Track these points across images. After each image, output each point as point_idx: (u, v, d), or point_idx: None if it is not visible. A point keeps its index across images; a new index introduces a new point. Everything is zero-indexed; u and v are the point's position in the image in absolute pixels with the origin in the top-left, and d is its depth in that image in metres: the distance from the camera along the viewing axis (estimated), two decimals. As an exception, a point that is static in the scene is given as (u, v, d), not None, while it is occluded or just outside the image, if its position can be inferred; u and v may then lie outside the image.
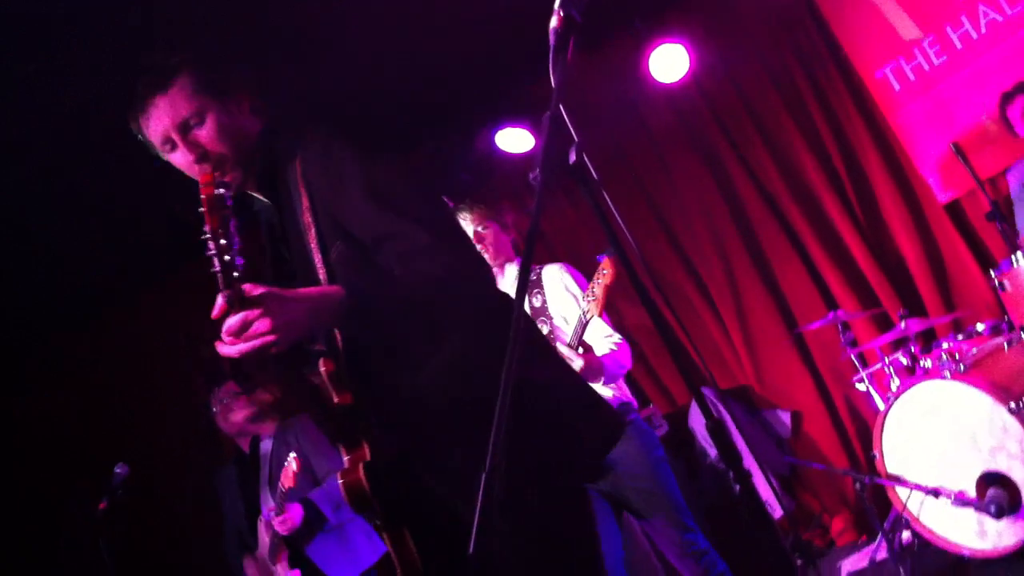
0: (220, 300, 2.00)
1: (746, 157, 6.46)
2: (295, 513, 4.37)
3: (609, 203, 1.82)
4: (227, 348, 2.04)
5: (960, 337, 4.56)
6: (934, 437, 4.26)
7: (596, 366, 3.81)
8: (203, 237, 1.97)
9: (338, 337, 2.28)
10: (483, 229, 4.23)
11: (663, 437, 5.41)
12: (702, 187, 6.61)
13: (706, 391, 5.95)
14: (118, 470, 4.55)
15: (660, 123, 6.69)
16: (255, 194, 2.52)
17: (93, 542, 4.40)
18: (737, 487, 1.83)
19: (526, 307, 4.08)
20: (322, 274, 2.29)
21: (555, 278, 4.14)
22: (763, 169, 6.41)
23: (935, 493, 4.15)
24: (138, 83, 2.37)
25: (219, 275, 1.97)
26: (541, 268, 4.22)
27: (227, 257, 1.97)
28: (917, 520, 4.29)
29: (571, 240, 6.80)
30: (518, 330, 1.53)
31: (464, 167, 6.59)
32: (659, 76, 6.22)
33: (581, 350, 3.80)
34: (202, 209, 1.97)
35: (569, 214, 6.84)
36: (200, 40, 4.30)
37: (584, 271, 4.15)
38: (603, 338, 4.00)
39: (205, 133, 2.35)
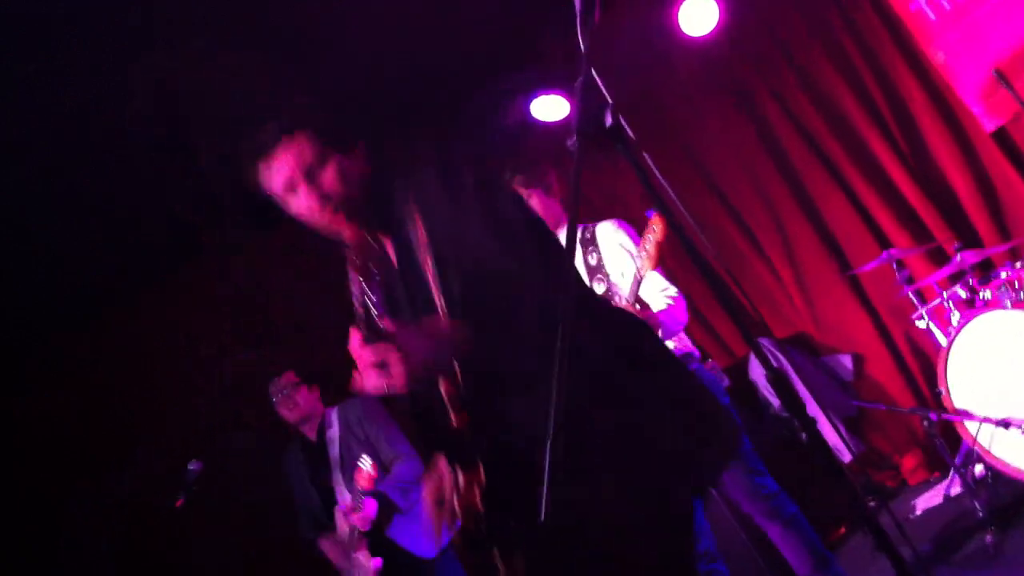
0: (354, 336, 2.09)
1: (783, 100, 6.38)
2: (371, 508, 4.50)
3: (648, 161, 1.81)
4: (367, 380, 2.12)
5: (1018, 265, 4.48)
6: (999, 368, 4.21)
7: (654, 323, 3.81)
8: (352, 286, 2.11)
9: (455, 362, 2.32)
10: (527, 197, 4.22)
11: (726, 389, 5.41)
12: (741, 135, 6.53)
13: (764, 341, 5.93)
14: (192, 467, 4.64)
15: (692, 75, 6.62)
16: (378, 236, 2.53)
17: (169, 538, 4.50)
18: (803, 435, 1.83)
19: (581, 266, 4.10)
20: (439, 303, 2.31)
21: (609, 235, 4.14)
22: (802, 111, 6.32)
23: (1005, 424, 4.11)
24: (261, 131, 2.42)
25: (363, 325, 2.08)
26: (595, 226, 4.21)
27: (372, 309, 2.09)
28: (989, 452, 4.25)
29: (616, 200, 6.77)
30: (569, 290, 1.53)
31: (501, 138, 6.57)
32: (688, 30, 6.16)
33: (638, 307, 3.80)
34: (354, 262, 2.12)
35: (611, 175, 6.81)
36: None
37: (635, 229, 4.14)
38: (659, 292, 3.99)
39: (328, 178, 2.39)
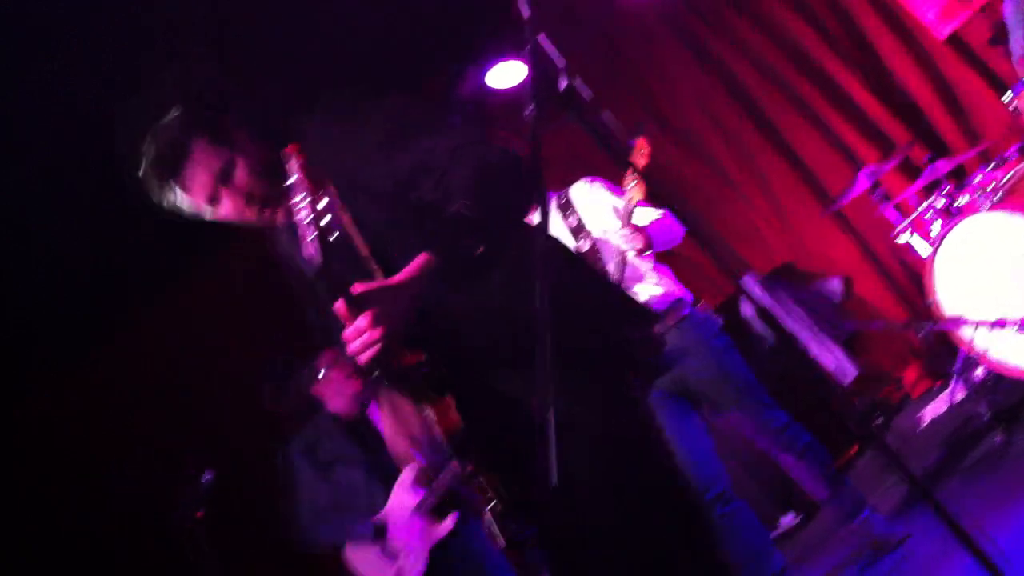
0: (341, 304, 2.10)
1: (735, 36, 6.35)
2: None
3: (606, 121, 1.81)
4: (356, 354, 2.13)
5: (990, 167, 4.50)
6: (985, 270, 4.23)
7: (645, 237, 3.82)
8: (296, 200, 2.06)
9: None
10: None
11: (721, 329, 5.44)
12: (698, 77, 6.51)
13: (750, 278, 5.94)
14: (206, 477, 4.61)
15: (643, 23, 6.58)
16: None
17: (196, 548, 4.47)
18: (799, 367, 1.84)
19: (564, 229, 4.11)
20: (366, 252, 2.30)
21: (584, 193, 4.14)
22: (756, 44, 6.30)
23: (999, 325, 4.13)
24: (156, 166, 2.38)
25: (319, 247, 2.04)
26: (568, 190, 4.22)
27: (323, 223, 2.05)
28: (986, 356, 4.27)
29: (585, 169, 6.74)
30: (544, 264, 1.54)
31: (458, 111, 6.54)
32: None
33: (630, 230, 3.82)
34: (299, 181, 2.06)
35: (575, 143, 6.78)
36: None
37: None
38: (648, 219, 3.99)
39: (242, 176, 2.37)
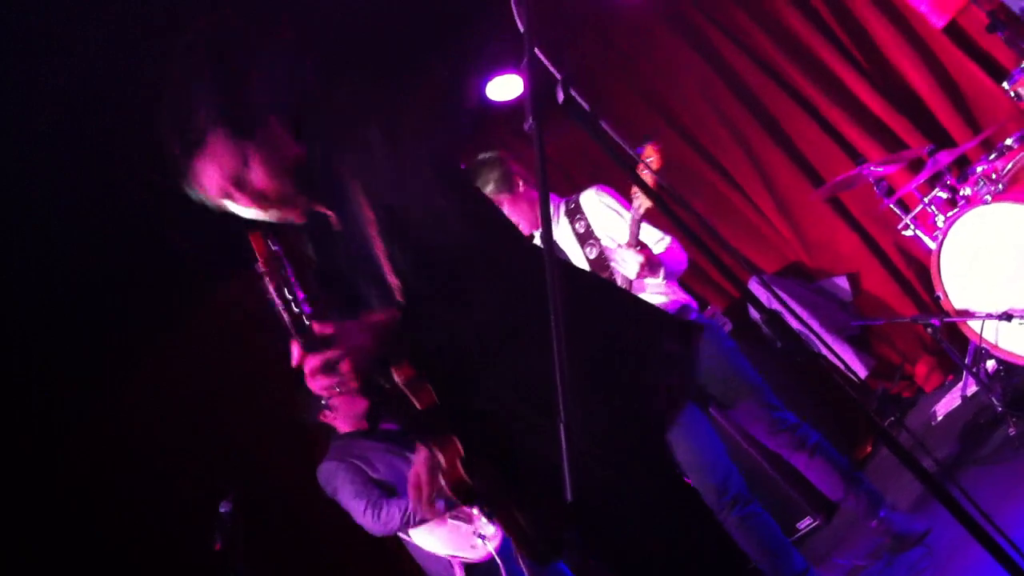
0: (295, 349, 2.13)
1: (732, 32, 6.34)
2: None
3: (607, 130, 1.82)
4: (315, 385, 2.16)
5: (992, 156, 4.49)
6: (991, 262, 4.23)
7: (656, 260, 3.84)
8: (268, 297, 2.07)
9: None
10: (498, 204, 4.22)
11: (730, 333, 5.44)
12: (698, 75, 6.51)
13: (755, 281, 5.94)
14: (223, 509, 4.63)
15: (639, 22, 6.58)
16: (322, 211, 2.49)
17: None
18: (810, 367, 1.85)
19: (571, 235, 4.12)
20: (387, 267, 2.30)
21: (592, 201, 4.16)
22: (752, 40, 6.26)
23: (1007, 316, 4.13)
24: (172, 147, 2.34)
25: (290, 326, 2.09)
26: (577, 196, 4.23)
27: (295, 308, 2.07)
28: (996, 347, 4.27)
29: (593, 168, 6.76)
30: (553, 274, 1.54)
31: (457, 124, 6.56)
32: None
33: (638, 248, 3.82)
34: (262, 270, 2.07)
35: (581, 144, 6.79)
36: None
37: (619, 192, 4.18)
38: (655, 243, 4.01)
39: (256, 177, 2.34)
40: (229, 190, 2.34)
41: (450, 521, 4.53)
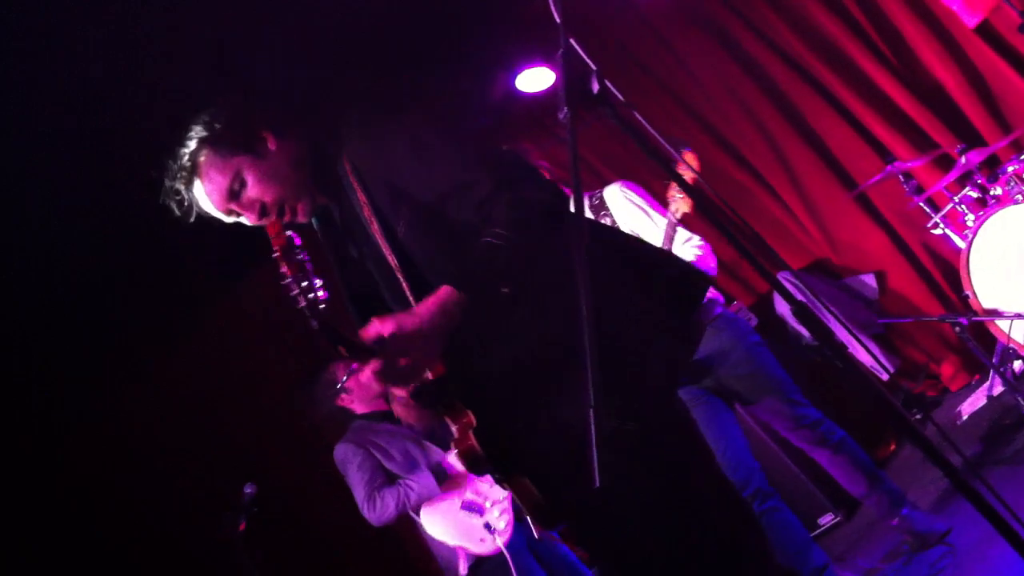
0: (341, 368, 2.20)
1: (760, 30, 6.31)
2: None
3: (640, 119, 1.83)
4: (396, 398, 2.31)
5: (1023, 157, 4.48)
6: (1021, 262, 4.21)
7: None
8: (283, 282, 2.08)
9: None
10: None
11: (755, 328, 5.44)
12: (726, 72, 6.47)
13: (783, 275, 5.93)
14: (247, 490, 4.68)
15: (666, 19, 6.56)
16: (328, 204, 2.56)
17: (239, 561, 4.53)
18: (837, 363, 1.85)
19: None
20: (392, 260, 2.33)
21: (617, 197, 4.17)
22: (781, 37, 6.22)
23: (1035, 316, 4.11)
24: (167, 180, 2.42)
25: (306, 311, 2.09)
26: (601, 191, 4.24)
27: (311, 295, 2.09)
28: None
29: (615, 162, 6.76)
30: (582, 262, 1.55)
31: (484, 112, 6.57)
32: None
33: None
34: (276, 255, 2.09)
35: (606, 138, 6.79)
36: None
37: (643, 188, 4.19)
38: (684, 244, 4.01)
39: (252, 189, 2.39)
40: (230, 206, 2.41)
41: (461, 512, 4.57)
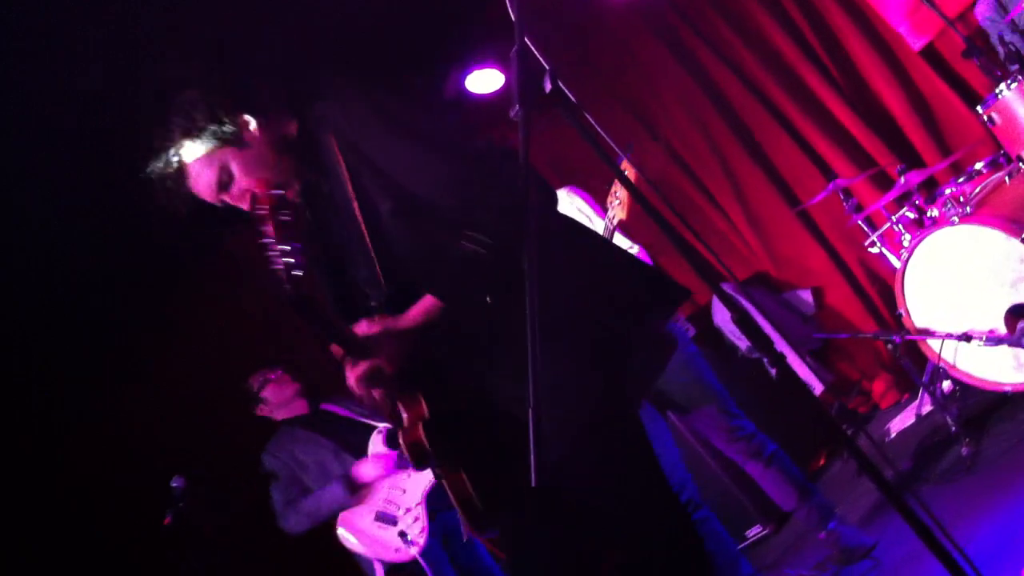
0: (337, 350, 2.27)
1: (715, 45, 6.38)
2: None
3: (591, 121, 1.82)
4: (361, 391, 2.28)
5: (961, 180, 4.54)
6: (955, 283, 4.27)
7: None
8: (263, 240, 2.04)
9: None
10: None
11: (693, 339, 5.47)
12: (679, 84, 6.54)
13: (725, 286, 5.98)
14: (175, 483, 4.61)
15: (624, 28, 6.59)
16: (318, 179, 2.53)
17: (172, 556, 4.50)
18: (774, 371, 1.86)
19: None
20: (368, 242, 2.34)
21: (563, 202, 4.16)
22: (734, 54, 6.31)
23: (966, 338, 4.17)
24: (155, 180, 2.40)
25: (281, 274, 2.05)
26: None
27: (288, 259, 2.05)
28: (954, 367, 4.31)
29: (563, 167, 6.76)
30: (532, 267, 1.55)
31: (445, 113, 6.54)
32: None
33: None
34: (263, 212, 2.04)
35: (555, 142, 6.79)
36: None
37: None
38: None
39: (240, 180, 2.39)
40: (221, 198, 2.41)
41: (374, 524, 4.59)
